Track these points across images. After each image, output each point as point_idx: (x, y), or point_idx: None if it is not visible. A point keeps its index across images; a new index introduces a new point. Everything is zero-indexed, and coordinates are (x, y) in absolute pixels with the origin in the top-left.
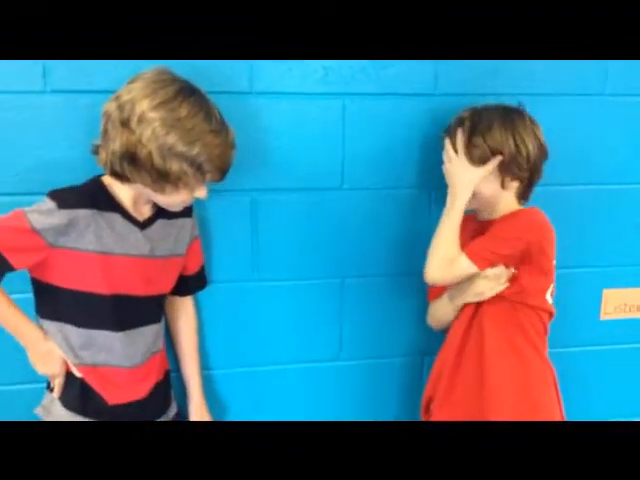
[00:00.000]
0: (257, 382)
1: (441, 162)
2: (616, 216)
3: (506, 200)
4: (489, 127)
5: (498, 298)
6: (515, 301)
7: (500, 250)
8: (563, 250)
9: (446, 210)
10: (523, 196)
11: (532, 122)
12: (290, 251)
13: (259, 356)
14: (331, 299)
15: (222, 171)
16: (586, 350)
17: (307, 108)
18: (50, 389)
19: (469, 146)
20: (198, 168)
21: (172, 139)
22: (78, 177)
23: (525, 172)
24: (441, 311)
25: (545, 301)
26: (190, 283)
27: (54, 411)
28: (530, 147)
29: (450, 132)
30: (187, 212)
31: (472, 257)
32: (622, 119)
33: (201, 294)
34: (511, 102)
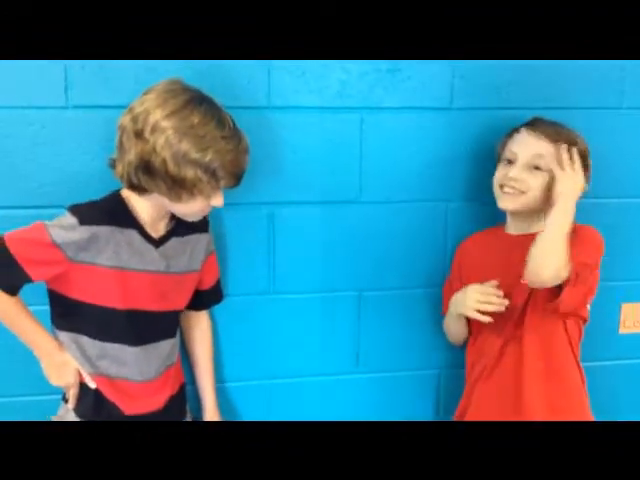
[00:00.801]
0: (273, 395)
1: (458, 175)
2: (635, 230)
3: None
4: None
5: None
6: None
7: (588, 274)
8: None
9: (559, 219)
10: None
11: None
12: (307, 264)
13: (275, 369)
14: (348, 312)
15: (236, 177)
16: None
17: (324, 122)
18: (65, 400)
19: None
20: (212, 174)
21: (185, 146)
22: (98, 190)
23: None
24: (451, 324)
25: (586, 310)
26: (205, 297)
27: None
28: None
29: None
30: (202, 227)
31: (576, 269)
32: None
33: (217, 307)
34: (527, 115)
